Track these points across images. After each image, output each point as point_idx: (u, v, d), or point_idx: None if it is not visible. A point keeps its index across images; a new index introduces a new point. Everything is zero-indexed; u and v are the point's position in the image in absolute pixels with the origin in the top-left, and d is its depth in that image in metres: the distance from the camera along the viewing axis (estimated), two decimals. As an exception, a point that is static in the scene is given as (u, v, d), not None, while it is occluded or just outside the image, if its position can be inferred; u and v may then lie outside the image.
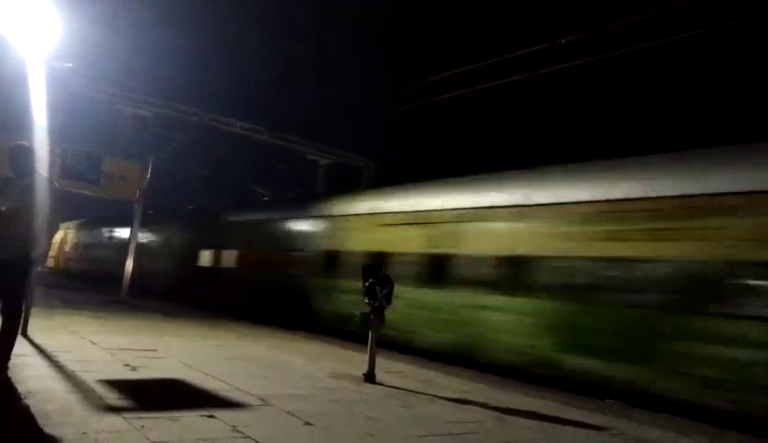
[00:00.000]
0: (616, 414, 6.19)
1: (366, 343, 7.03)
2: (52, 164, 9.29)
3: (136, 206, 14.13)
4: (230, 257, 16.49)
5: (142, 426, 3.97)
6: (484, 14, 24.25)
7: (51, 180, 5.73)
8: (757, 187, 6.68)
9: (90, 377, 5.36)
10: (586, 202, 8.26)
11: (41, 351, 6.50)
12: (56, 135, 10.05)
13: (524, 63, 17.95)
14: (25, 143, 5.71)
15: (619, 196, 7.97)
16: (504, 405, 6.06)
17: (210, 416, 4.44)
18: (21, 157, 5.54)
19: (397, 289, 7.06)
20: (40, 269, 8.94)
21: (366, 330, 7.01)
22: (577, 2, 19.95)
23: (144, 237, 22.20)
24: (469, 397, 6.35)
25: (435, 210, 10.75)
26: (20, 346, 6.06)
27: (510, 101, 19.20)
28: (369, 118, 25.29)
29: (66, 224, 32.78)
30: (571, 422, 5.57)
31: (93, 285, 20.25)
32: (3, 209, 5.27)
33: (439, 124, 23.23)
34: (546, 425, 5.39)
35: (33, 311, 7.68)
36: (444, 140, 24.37)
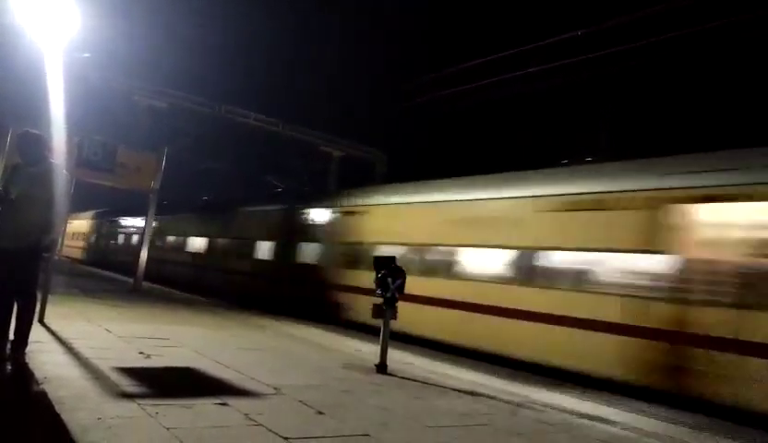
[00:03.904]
0: (631, 409, 6.14)
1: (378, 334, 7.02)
2: (69, 154, 9.37)
3: (150, 196, 14.22)
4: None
5: (156, 413, 4.00)
6: (496, 8, 24.10)
7: (60, 168, 5.72)
8: None
9: (105, 364, 5.42)
10: None
11: (57, 338, 6.58)
12: (73, 125, 10.16)
13: (535, 56, 17.79)
14: (34, 131, 5.72)
15: None
16: (516, 398, 6.03)
17: (223, 404, 4.46)
18: (30, 144, 5.55)
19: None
20: (56, 257, 9.10)
21: (377, 321, 6.99)
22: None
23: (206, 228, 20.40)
24: (481, 389, 6.33)
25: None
26: (37, 333, 6.15)
27: (521, 94, 19.07)
28: (379, 111, 25.30)
29: (90, 213, 32.95)
30: (585, 415, 5.53)
31: (120, 275, 20.46)
32: (12, 196, 5.30)
33: (446, 116, 23.18)
34: (558, 416, 5.35)
35: (50, 299, 7.79)
36: (451, 133, 24.33)
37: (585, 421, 5.34)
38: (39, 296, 6.17)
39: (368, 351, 8.05)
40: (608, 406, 6.14)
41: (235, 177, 31.29)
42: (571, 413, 5.60)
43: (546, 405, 5.82)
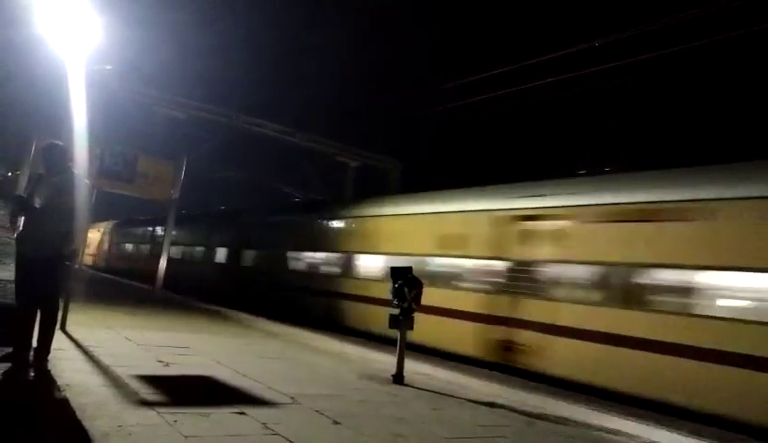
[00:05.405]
0: (651, 422, 6.06)
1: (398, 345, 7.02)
2: (91, 164, 9.53)
3: (169, 205, 14.39)
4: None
5: (175, 421, 4.05)
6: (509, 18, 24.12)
7: (82, 178, 5.83)
8: None
9: (125, 371, 5.48)
10: None
11: (78, 345, 6.67)
12: (95, 135, 10.32)
13: (551, 67, 17.72)
14: (58, 142, 5.85)
15: None
16: (533, 409, 5.99)
17: (241, 413, 4.49)
18: (54, 155, 5.67)
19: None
20: (77, 266, 9.22)
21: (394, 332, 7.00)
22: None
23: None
24: (498, 400, 6.30)
25: None
26: (59, 341, 6.24)
27: (534, 105, 19.01)
28: (394, 120, 25.42)
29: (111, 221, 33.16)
30: (602, 428, 5.48)
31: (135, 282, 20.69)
32: (36, 205, 5.42)
33: (459, 127, 23.22)
34: (575, 430, 5.31)
35: (72, 307, 7.90)
36: (466, 143, 24.35)
37: (603, 434, 5.29)
38: (61, 304, 6.27)
39: (385, 361, 8.05)
40: (626, 420, 6.07)
41: (252, 186, 31.61)
42: (589, 426, 5.55)
43: (563, 418, 5.77)
